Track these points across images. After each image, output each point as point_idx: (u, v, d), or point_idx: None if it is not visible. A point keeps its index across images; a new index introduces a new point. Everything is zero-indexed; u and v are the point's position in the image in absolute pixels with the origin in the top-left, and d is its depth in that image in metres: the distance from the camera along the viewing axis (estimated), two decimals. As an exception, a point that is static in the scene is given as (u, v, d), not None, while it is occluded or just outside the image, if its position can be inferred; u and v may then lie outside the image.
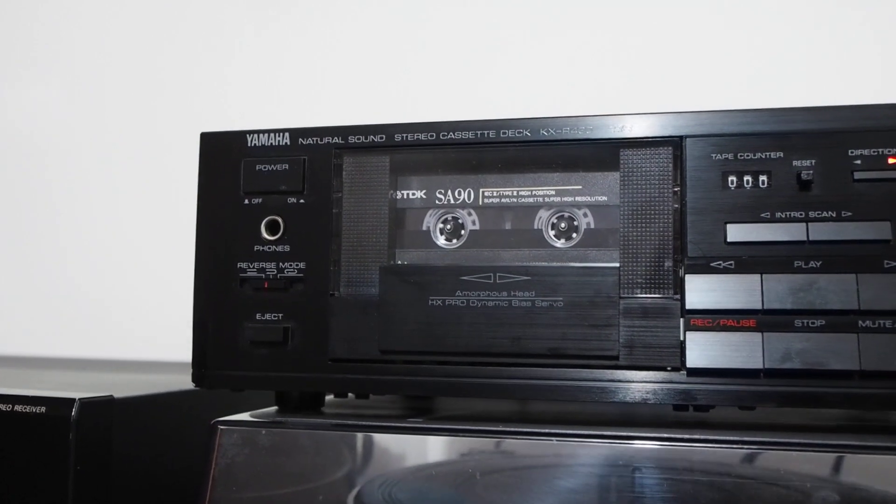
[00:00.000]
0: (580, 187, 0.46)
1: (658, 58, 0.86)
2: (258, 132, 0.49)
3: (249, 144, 0.49)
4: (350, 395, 0.56)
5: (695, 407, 0.44)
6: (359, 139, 0.47)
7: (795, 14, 0.84)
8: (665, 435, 0.41)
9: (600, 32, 0.89)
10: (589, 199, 0.46)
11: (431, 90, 0.92)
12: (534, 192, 0.47)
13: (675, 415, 0.48)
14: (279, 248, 0.47)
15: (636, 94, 0.86)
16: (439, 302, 0.45)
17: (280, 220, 0.48)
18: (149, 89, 1.02)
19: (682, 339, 0.42)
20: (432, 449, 0.45)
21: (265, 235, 0.48)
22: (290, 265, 0.47)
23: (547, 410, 0.54)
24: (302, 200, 0.48)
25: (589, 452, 0.41)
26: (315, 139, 0.48)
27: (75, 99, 1.05)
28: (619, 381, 0.43)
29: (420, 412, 0.51)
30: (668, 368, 0.42)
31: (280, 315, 0.47)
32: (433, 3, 0.94)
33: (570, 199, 0.46)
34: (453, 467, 0.44)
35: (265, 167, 0.48)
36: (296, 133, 0.48)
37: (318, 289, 0.47)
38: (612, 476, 0.40)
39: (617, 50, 0.88)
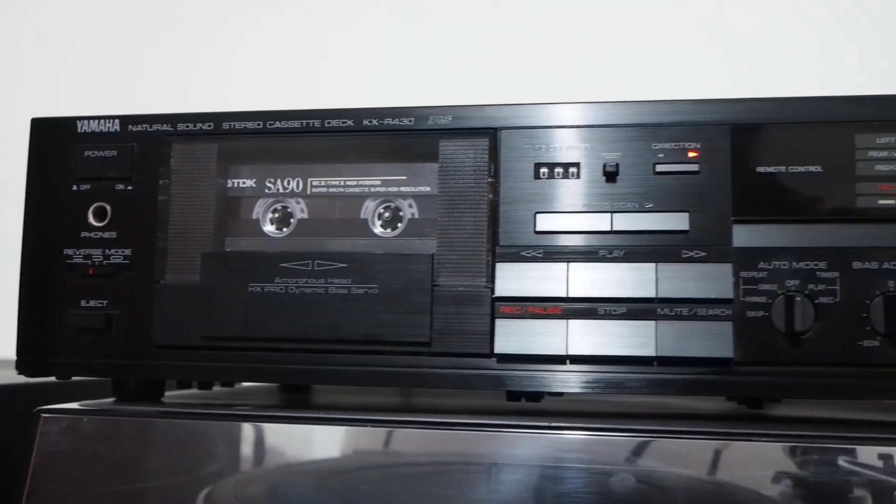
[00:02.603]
0: (405, 178, 0.47)
1: (659, 57, 0.88)
2: (88, 118, 0.49)
3: (79, 130, 0.49)
4: (200, 387, 0.56)
5: (526, 397, 0.45)
6: (187, 126, 0.48)
7: (792, 13, 0.86)
8: (493, 422, 0.41)
9: (600, 32, 0.90)
10: (413, 189, 0.47)
11: (432, 90, 0.92)
12: (360, 182, 0.47)
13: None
14: (106, 235, 0.47)
15: (636, 93, 0.87)
16: (258, 289, 0.45)
17: (107, 206, 0.47)
18: (148, 89, 1.01)
19: (491, 325, 0.43)
20: (268, 438, 0.45)
21: (92, 222, 0.47)
22: (116, 252, 0.47)
23: (430, 403, 0.55)
24: (130, 187, 0.47)
25: (426, 444, 0.41)
26: (144, 126, 0.48)
27: (74, 99, 1.03)
28: (432, 367, 0.43)
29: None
30: (478, 355, 0.43)
31: (105, 302, 0.47)
32: (433, 2, 0.94)
33: (395, 189, 0.47)
34: (292, 458, 0.45)
35: (94, 153, 0.48)
36: (126, 120, 0.48)
37: (143, 275, 0.47)
38: (469, 468, 0.41)
39: (617, 50, 0.89)
